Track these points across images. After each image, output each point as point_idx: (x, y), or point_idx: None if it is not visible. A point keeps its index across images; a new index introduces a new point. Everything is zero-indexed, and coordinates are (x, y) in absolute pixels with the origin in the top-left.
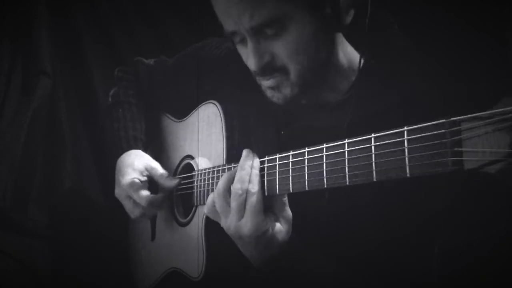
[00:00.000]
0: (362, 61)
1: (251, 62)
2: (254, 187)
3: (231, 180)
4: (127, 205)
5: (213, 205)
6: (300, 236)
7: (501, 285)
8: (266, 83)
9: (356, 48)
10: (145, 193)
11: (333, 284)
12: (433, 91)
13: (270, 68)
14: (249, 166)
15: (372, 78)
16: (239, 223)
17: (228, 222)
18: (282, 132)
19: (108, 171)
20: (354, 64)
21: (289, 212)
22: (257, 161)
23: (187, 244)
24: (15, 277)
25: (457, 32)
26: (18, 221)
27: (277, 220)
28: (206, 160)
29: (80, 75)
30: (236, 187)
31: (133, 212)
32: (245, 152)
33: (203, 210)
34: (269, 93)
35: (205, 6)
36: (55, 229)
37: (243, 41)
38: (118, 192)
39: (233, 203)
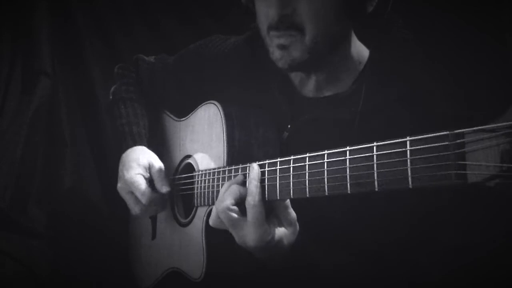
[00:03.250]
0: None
1: (272, 10)
2: (255, 199)
3: (235, 194)
4: (128, 201)
5: (218, 218)
6: (304, 235)
7: (501, 285)
8: (278, 40)
9: (365, 44)
10: (147, 190)
11: (333, 283)
12: (434, 86)
13: (287, 22)
14: (253, 178)
15: (379, 72)
16: (242, 234)
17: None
18: (289, 126)
19: (108, 171)
20: (361, 57)
21: (292, 214)
22: (254, 172)
23: (188, 245)
24: (15, 277)
25: (460, 32)
26: (18, 221)
27: (280, 224)
28: (207, 160)
29: (80, 75)
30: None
31: (134, 208)
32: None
33: (209, 223)
34: (277, 53)
35: (204, 5)
36: (55, 229)
37: None
38: (120, 186)
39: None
